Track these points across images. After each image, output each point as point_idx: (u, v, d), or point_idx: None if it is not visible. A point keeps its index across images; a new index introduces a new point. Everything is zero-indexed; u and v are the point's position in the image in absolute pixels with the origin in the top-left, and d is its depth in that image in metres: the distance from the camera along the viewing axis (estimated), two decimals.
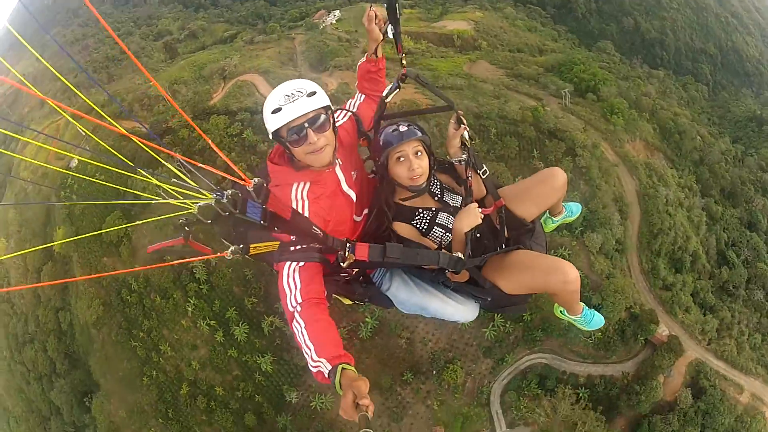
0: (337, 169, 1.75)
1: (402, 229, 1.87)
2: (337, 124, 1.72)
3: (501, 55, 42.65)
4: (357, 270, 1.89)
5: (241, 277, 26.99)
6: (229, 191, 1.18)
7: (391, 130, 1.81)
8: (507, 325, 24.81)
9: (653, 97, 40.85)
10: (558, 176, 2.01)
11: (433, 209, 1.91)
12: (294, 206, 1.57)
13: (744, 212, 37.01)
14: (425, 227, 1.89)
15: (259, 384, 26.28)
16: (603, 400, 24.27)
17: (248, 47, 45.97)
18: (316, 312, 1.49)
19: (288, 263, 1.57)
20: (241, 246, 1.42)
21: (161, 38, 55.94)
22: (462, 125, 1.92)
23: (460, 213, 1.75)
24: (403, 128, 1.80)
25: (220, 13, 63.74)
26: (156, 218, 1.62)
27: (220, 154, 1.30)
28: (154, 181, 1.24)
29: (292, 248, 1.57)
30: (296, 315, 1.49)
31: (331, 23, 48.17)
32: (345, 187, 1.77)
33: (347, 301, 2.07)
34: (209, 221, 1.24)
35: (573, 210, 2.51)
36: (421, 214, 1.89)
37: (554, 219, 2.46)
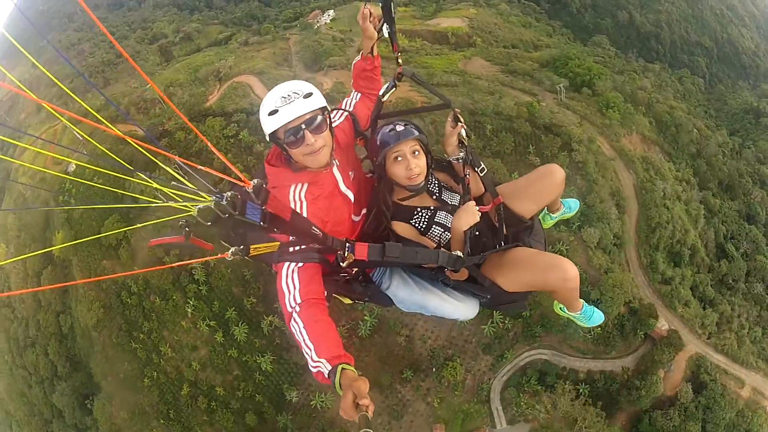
0: (335, 170, 1.75)
1: (401, 228, 1.87)
2: (333, 125, 1.73)
3: (496, 52, 42.58)
4: (356, 269, 1.89)
5: (240, 277, 27.07)
6: (228, 193, 1.18)
7: (388, 129, 1.82)
8: (506, 322, 24.83)
9: (649, 90, 40.76)
10: (556, 173, 2.01)
11: (432, 208, 1.91)
12: (292, 207, 1.56)
13: (742, 205, 36.91)
14: (424, 226, 1.89)
15: (260, 383, 26.36)
16: (603, 396, 24.26)
17: (243, 48, 46.02)
18: (316, 312, 1.49)
19: (287, 264, 1.57)
20: (242, 247, 1.43)
21: (156, 41, 56.01)
22: (459, 123, 1.92)
23: (459, 211, 1.76)
24: (399, 128, 1.80)
25: (214, 15, 63.79)
26: (155, 221, 1.60)
27: (219, 155, 1.29)
28: (154, 184, 1.24)
29: (291, 249, 1.58)
30: (295, 315, 1.49)
31: (325, 23, 48.17)
32: (343, 187, 1.77)
33: (347, 301, 2.08)
34: (209, 223, 1.24)
35: (571, 206, 2.50)
36: (420, 213, 1.89)
37: (552, 215, 2.46)
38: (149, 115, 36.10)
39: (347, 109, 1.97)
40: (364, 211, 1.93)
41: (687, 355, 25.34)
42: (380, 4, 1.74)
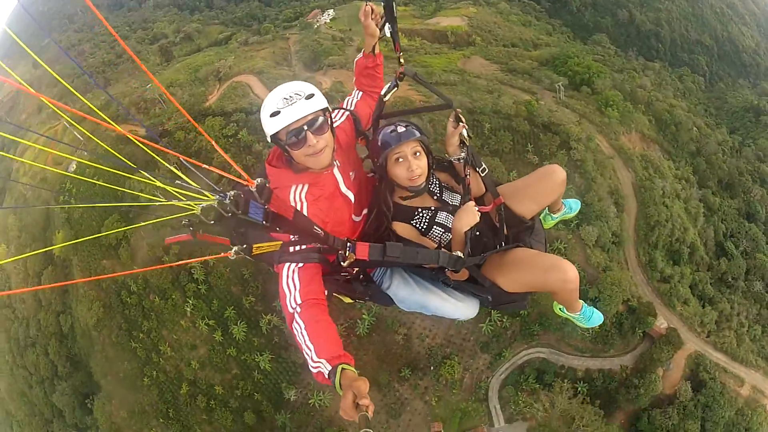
0: (335, 171, 1.75)
1: (401, 228, 1.87)
2: (334, 125, 1.73)
3: (495, 51, 42.55)
4: (357, 269, 1.89)
5: (239, 276, 27.15)
6: (232, 192, 1.19)
7: (389, 130, 1.81)
8: (504, 320, 24.81)
9: (649, 89, 40.63)
10: (557, 173, 2.01)
11: (433, 208, 1.91)
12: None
13: (742, 203, 36.76)
14: (425, 227, 1.89)
15: (258, 382, 26.44)
16: (602, 394, 24.19)
17: (243, 48, 46.16)
18: (316, 313, 1.50)
19: (287, 264, 1.58)
20: (244, 246, 1.44)
21: (157, 41, 56.28)
22: (461, 123, 1.92)
23: (459, 212, 1.76)
24: (401, 129, 1.80)
25: (214, 15, 64.00)
26: (155, 221, 1.61)
27: (223, 154, 1.32)
28: (157, 183, 1.25)
29: (291, 249, 1.58)
30: (296, 316, 1.50)
31: (325, 22, 48.27)
32: (343, 188, 1.78)
33: (348, 300, 2.09)
34: (212, 222, 1.25)
35: (572, 206, 2.49)
36: (421, 214, 1.89)
37: (553, 216, 2.46)
38: (149, 115, 36.26)
39: (348, 108, 1.97)
40: (365, 211, 1.94)
41: (686, 354, 25.24)
42: (382, 3, 1.75)
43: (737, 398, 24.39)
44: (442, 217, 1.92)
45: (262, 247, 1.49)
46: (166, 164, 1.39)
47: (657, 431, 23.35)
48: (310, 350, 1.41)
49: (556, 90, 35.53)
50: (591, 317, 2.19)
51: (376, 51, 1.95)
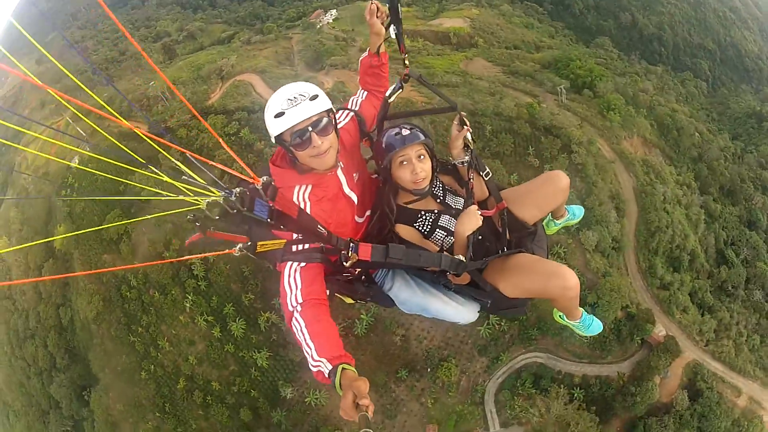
0: (339, 172, 1.75)
1: (404, 231, 1.87)
2: (338, 126, 1.72)
3: (497, 52, 42.49)
4: (359, 270, 1.90)
5: (239, 274, 27.25)
6: (238, 189, 1.20)
7: (393, 133, 1.81)
8: (502, 324, 24.74)
9: (651, 93, 40.50)
10: (561, 179, 2.01)
11: (436, 212, 1.92)
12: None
13: (743, 210, 36.52)
14: (427, 230, 1.90)
15: (255, 379, 26.50)
16: (598, 401, 24.07)
17: (246, 47, 46.31)
18: (317, 312, 1.51)
19: (289, 264, 1.58)
20: (248, 243, 1.44)
21: (160, 40, 56.46)
22: (465, 127, 1.93)
23: (461, 216, 1.77)
24: (405, 132, 1.79)
25: (218, 14, 64.20)
26: (161, 214, 1.62)
27: (230, 152, 1.33)
28: (165, 179, 1.26)
29: (294, 248, 1.59)
30: (296, 314, 1.50)
31: (327, 22, 48.40)
32: (347, 189, 1.78)
33: (349, 300, 2.10)
34: (217, 218, 1.26)
35: (575, 213, 2.49)
36: (424, 217, 1.90)
37: (557, 222, 2.46)
38: (152, 113, 36.46)
39: (353, 108, 1.97)
40: (368, 212, 1.94)
41: (684, 362, 25.10)
42: (387, 5, 1.76)
43: (734, 409, 24.20)
44: (444, 220, 1.91)
45: (266, 244, 1.50)
46: (174, 160, 1.41)
47: None
48: (311, 349, 1.42)
49: (558, 93, 35.48)
50: (590, 326, 2.20)
51: (381, 50, 1.93)
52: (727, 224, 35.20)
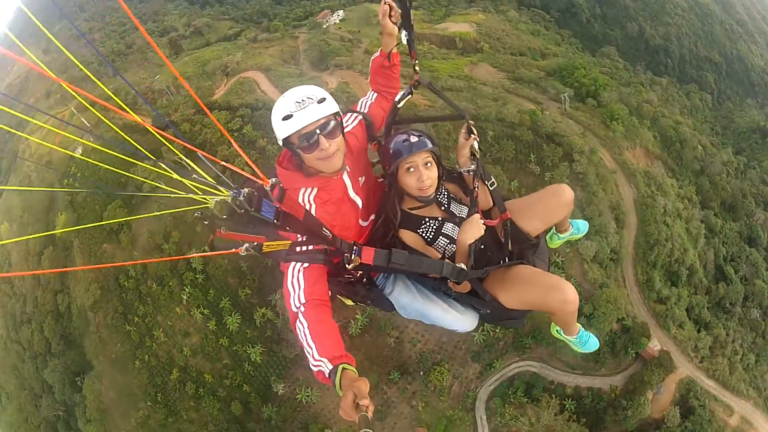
0: (344, 176, 1.75)
1: (408, 237, 1.88)
2: (346, 130, 1.73)
3: (503, 58, 42.44)
4: (361, 272, 1.90)
5: (237, 268, 27.36)
6: (246, 189, 1.20)
7: (402, 140, 1.81)
8: (497, 331, 24.62)
9: (655, 104, 40.27)
10: (565, 193, 2.01)
11: (440, 219, 1.92)
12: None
13: (744, 226, 36.22)
14: (431, 236, 1.90)
15: (248, 374, 26.56)
16: (589, 413, 23.88)
17: (251, 45, 46.50)
18: (319, 313, 1.51)
19: (293, 264, 1.59)
20: (255, 243, 1.45)
21: (167, 34, 56.77)
22: (472, 135, 1.93)
23: (464, 224, 1.77)
24: (414, 138, 1.79)
25: (225, 11, 64.51)
26: (172, 210, 1.59)
27: (240, 152, 1.35)
28: (174, 175, 1.25)
29: (299, 249, 1.60)
30: (299, 315, 1.51)
31: (334, 23, 48.52)
32: (352, 193, 1.78)
33: (349, 302, 2.11)
34: (224, 216, 1.26)
35: (580, 227, 2.48)
36: (428, 224, 1.90)
37: (561, 235, 2.45)
38: (156, 107, 36.65)
39: (362, 111, 1.96)
40: (372, 216, 1.94)
41: (677, 378, 24.83)
42: (399, 12, 1.76)
43: (725, 428, 23.92)
44: (448, 228, 1.92)
45: (272, 245, 1.51)
46: (180, 155, 1.43)
47: None
48: (312, 349, 1.42)
49: (562, 101, 35.38)
50: (587, 342, 2.20)
51: (393, 51, 1.92)
52: (727, 240, 34.92)
